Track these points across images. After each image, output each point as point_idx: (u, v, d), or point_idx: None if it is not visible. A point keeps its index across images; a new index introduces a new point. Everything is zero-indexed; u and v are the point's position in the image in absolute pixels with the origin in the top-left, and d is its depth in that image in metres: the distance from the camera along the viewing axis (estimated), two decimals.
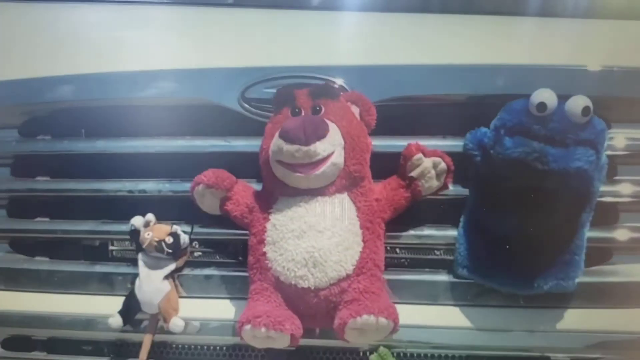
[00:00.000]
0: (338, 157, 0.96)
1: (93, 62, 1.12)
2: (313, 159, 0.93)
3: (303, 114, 1.00)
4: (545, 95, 0.92)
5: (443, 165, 1.00)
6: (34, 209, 1.18)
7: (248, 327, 0.91)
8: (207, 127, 1.11)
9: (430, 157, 1.00)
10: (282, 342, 0.93)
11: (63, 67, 1.13)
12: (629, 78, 1.04)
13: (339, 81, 1.06)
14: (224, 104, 1.07)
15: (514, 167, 0.95)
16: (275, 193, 1.01)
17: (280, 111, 1.01)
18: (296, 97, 1.01)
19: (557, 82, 1.00)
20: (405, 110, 1.06)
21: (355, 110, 1.02)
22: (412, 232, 1.06)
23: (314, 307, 0.97)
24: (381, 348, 1.02)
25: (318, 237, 0.95)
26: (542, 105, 0.92)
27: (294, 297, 0.97)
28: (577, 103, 0.92)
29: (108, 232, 1.13)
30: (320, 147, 0.93)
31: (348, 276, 0.96)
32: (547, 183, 0.94)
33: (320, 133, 0.93)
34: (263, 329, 0.90)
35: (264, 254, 0.98)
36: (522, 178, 0.95)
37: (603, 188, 1.00)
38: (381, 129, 1.04)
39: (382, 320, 0.90)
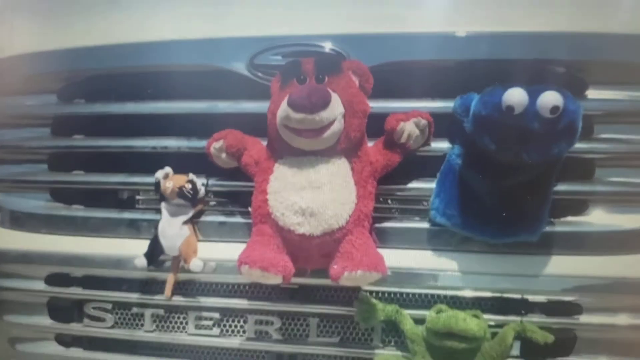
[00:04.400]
0: (338, 124, 1.04)
1: (119, 33, 1.22)
2: (317, 126, 1.02)
3: (308, 81, 1.07)
4: (513, 99, 0.93)
5: (423, 121, 1.08)
6: (71, 163, 1.30)
7: (246, 267, 1.01)
8: (220, 91, 1.19)
9: (411, 120, 1.07)
10: (274, 280, 1.03)
11: (92, 38, 1.24)
12: (605, 42, 1.09)
13: (338, 48, 1.13)
14: (235, 69, 1.16)
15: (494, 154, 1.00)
16: (280, 151, 1.09)
17: (288, 79, 1.08)
18: (302, 66, 1.08)
19: (539, 48, 1.09)
20: (396, 74, 1.14)
21: (355, 78, 1.09)
22: (401, 185, 1.15)
23: (309, 251, 1.07)
24: (361, 293, 1.14)
25: (316, 191, 1.04)
26: (510, 109, 0.93)
27: (290, 240, 1.06)
28: (546, 103, 0.92)
29: (135, 184, 1.25)
30: (324, 115, 1.00)
31: (342, 228, 1.05)
32: (525, 165, 0.99)
33: (324, 102, 1.00)
34: (258, 271, 1.00)
35: (266, 201, 1.07)
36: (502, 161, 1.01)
37: (580, 145, 1.05)
38: (375, 92, 1.11)
39: (375, 274, 1.00)
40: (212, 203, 1.24)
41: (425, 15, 1.16)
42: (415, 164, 1.14)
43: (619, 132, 1.11)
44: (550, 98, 0.92)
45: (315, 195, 1.04)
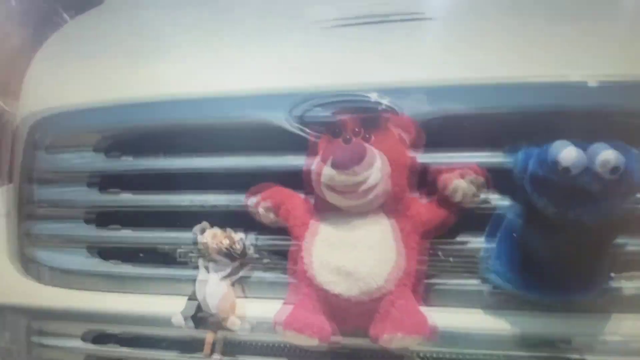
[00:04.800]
0: (385, 185, 1.01)
1: (162, 88, 1.22)
2: (360, 186, 0.99)
3: (353, 140, 1.03)
4: (569, 160, 0.87)
5: (480, 179, 1.03)
6: (111, 219, 1.28)
7: (280, 328, 1.01)
8: (264, 144, 1.15)
9: (466, 178, 1.02)
10: (309, 342, 1.00)
11: (133, 93, 1.24)
12: None
13: (386, 101, 1.08)
14: (278, 123, 1.12)
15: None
16: (319, 207, 1.08)
17: (333, 138, 1.06)
18: (347, 126, 1.06)
19: (593, 98, 1.03)
20: (449, 127, 1.08)
21: (404, 134, 1.06)
22: (450, 239, 1.09)
23: (347, 311, 1.03)
24: (408, 355, 1.07)
25: (353, 250, 1.01)
26: (566, 170, 0.88)
27: (327, 300, 1.02)
28: (605, 163, 0.86)
29: (174, 240, 1.22)
30: (368, 176, 0.99)
31: (380, 287, 1.00)
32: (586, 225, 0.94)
33: (368, 163, 0.98)
34: (292, 332, 0.99)
35: (302, 258, 1.05)
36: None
37: None
38: (426, 145, 1.07)
39: (416, 337, 0.97)
40: (254, 257, 1.19)
41: (478, 64, 1.10)
42: (467, 218, 1.08)
43: None
44: (609, 158, 0.86)
45: (352, 253, 1.02)
